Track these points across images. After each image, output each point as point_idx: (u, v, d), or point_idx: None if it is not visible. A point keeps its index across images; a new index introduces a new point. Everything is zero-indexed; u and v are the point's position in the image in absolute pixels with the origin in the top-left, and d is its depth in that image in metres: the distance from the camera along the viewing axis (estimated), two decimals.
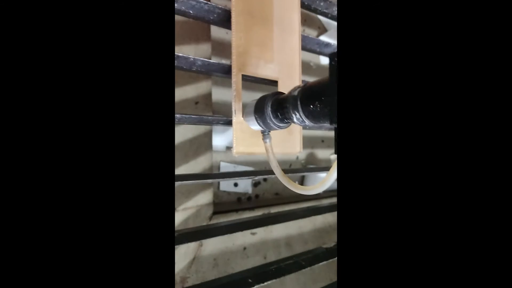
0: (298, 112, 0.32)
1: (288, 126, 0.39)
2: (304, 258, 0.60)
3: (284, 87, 0.52)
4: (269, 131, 0.41)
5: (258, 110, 0.39)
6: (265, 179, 1.02)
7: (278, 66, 0.52)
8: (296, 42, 0.54)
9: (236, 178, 0.62)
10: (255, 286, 0.51)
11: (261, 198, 0.99)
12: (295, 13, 0.54)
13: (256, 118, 0.40)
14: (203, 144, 0.76)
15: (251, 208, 0.90)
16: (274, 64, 0.51)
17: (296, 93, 0.32)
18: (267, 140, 0.41)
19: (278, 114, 0.36)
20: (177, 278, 0.69)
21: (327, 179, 0.31)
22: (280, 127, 0.38)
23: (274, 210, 0.93)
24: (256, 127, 0.41)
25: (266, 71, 0.50)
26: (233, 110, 0.46)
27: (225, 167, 0.93)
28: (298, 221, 0.93)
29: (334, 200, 1.08)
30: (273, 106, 0.37)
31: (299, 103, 0.32)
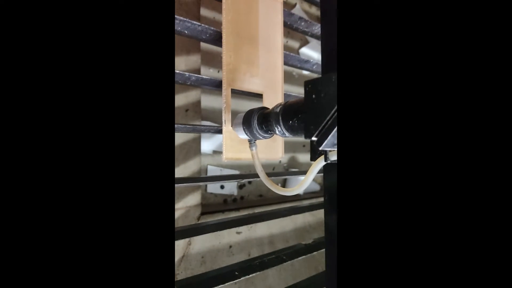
0: (279, 126, 0.38)
1: (271, 137, 0.45)
2: (285, 254, 0.66)
3: (268, 100, 0.59)
4: (255, 140, 0.47)
5: (246, 122, 0.45)
6: (250, 182, 1.08)
7: (263, 81, 0.58)
8: (279, 59, 0.61)
9: (224, 181, 0.68)
10: (241, 278, 0.56)
11: (246, 200, 1.05)
12: (278, 33, 0.61)
13: (244, 129, 0.45)
14: (192, 149, 0.81)
15: (237, 209, 0.96)
16: (260, 79, 0.57)
17: (278, 110, 0.39)
18: (253, 148, 0.47)
19: (263, 126, 0.42)
20: None
21: (304, 182, 0.38)
22: (264, 137, 0.45)
23: (258, 210, 0.99)
24: (243, 136, 0.47)
25: (252, 86, 0.56)
26: (223, 120, 0.52)
27: (212, 170, 0.98)
28: (280, 221, 1.00)
29: (313, 201, 1.15)
30: (259, 119, 0.43)
31: (280, 118, 0.38)
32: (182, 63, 0.77)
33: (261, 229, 0.95)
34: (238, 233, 0.91)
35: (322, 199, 1.04)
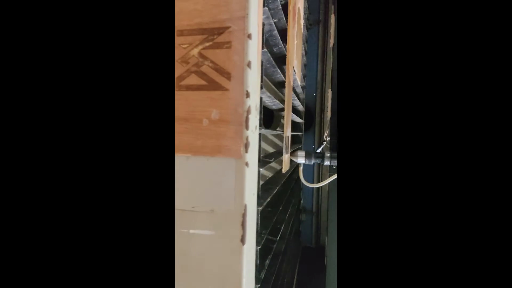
0: (329, 161, 1.00)
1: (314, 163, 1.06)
2: None
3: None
4: (304, 163, 1.05)
5: (307, 156, 1.03)
6: None
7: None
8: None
9: None
10: None
11: None
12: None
13: (305, 159, 1.03)
14: None
15: None
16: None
17: (329, 155, 1.00)
18: (301, 165, 1.06)
19: (317, 160, 1.02)
20: None
21: (325, 181, 1.02)
22: (311, 163, 1.05)
23: None
24: (301, 161, 1.04)
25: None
26: (284, 152, 1.06)
27: None
28: None
29: None
30: (315, 156, 1.03)
31: (330, 159, 1.00)
32: None
33: None
34: None
35: None
